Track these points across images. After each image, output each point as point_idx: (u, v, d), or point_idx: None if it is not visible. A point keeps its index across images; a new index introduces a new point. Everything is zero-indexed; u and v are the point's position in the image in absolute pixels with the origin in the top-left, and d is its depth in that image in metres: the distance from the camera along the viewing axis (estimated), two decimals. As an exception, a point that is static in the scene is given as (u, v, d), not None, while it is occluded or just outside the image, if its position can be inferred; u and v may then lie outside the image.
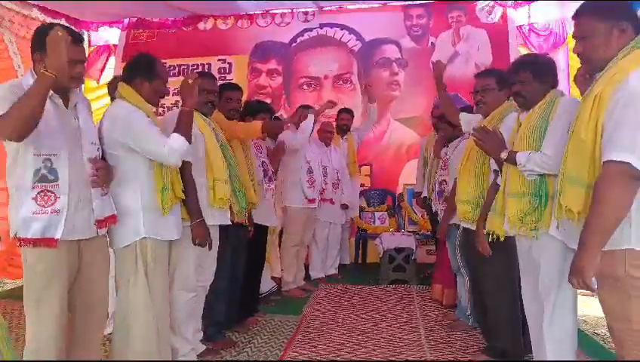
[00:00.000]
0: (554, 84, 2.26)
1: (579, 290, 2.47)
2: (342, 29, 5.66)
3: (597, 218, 1.57)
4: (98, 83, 5.84)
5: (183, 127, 2.30)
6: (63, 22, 5.22)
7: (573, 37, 1.82)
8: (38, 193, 1.93)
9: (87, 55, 2.18)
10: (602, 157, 1.59)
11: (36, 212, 1.92)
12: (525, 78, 2.24)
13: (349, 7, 5.65)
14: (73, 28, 2.18)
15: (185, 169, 2.54)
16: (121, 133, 2.22)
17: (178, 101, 5.11)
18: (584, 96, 1.79)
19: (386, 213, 5.29)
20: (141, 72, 2.36)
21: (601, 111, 1.61)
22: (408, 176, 5.36)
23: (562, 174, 1.78)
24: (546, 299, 2.18)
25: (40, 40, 1.96)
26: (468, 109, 3.27)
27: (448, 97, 3.24)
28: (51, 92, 1.97)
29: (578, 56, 1.81)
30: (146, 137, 2.22)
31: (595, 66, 1.76)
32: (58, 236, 1.95)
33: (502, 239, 2.39)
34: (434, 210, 3.85)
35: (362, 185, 5.45)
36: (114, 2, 5.13)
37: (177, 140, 2.24)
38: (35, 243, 1.93)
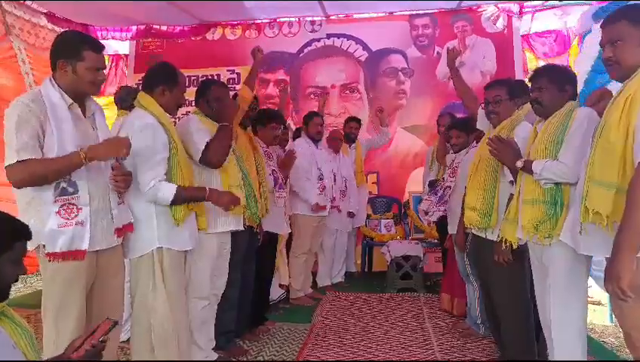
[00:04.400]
0: (573, 95, 2.27)
1: (588, 298, 2.50)
2: (348, 40, 5.72)
3: (631, 221, 1.57)
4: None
5: (185, 195, 2.31)
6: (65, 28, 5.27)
7: (601, 44, 1.83)
8: (61, 206, 1.94)
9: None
10: (635, 159, 1.60)
11: (62, 225, 1.93)
12: (543, 85, 2.25)
13: (356, 16, 5.70)
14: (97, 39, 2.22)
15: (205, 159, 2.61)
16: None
17: (189, 111, 5.16)
18: (612, 99, 1.80)
19: (392, 220, 5.31)
20: (163, 80, 2.39)
21: (633, 114, 1.63)
22: (415, 183, 5.40)
23: (588, 178, 1.79)
24: (553, 305, 2.18)
25: (65, 47, 2.01)
26: (471, 120, 3.29)
27: (464, 83, 3.23)
28: (71, 101, 2.00)
29: (607, 61, 1.81)
30: (143, 161, 2.22)
31: (623, 72, 1.77)
32: (85, 247, 1.97)
33: (515, 247, 2.41)
34: (425, 210, 3.84)
35: (369, 192, 5.47)
36: (122, 8, 5.14)
37: (167, 193, 2.24)
38: (64, 256, 1.94)
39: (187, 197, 2.31)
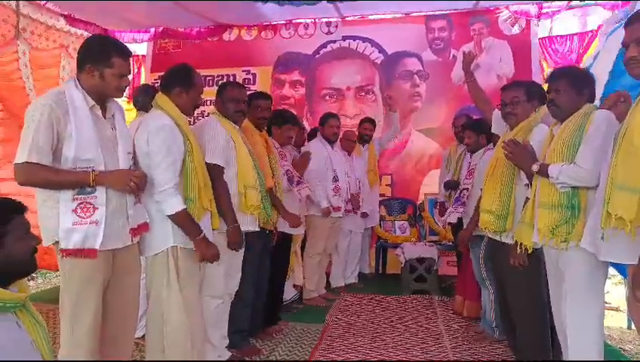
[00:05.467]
0: (590, 97, 2.24)
1: (606, 304, 2.46)
2: (364, 42, 5.72)
3: None
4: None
5: (187, 223, 2.28)
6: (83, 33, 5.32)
7: (624, 44, 1.80)
8: (78, 205, 1.97)
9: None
10: None
11: (76, 223, 1.96)
12: (560, 87, 2.23)
13: (371, 17, 5.69)
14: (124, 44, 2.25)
15: (217, 176, 2.59)
16: (145, 142, 2.26)
17: (204, 111, 5.22)
18: (636, 101, 1.78)
19: (406, 222, 5.29)
20: (179, 81, 2.41)
21: None
22: (429, 186, 5.39)
23: (610, 182, 1.76)
24: (569, 311, 2.15)
25: (95, 52, 2.04)
26: (486, 122, 3.27)
27: (478, 87, 3.21)
28: (93, 103, 2.04)
29: (630, 60, 1.78)
30: (157, 163, 2.23)
31: None
32: (97, 246, 1.98)
33: (530, 251, 2.38)
34: (447, 212, 3.81)
35: (382, 194, 5.47)
36: (140, 11, 5.20)
37: (175, 204, 2.23)
38: (77, 253, 1.97)
39: (184, 225, 2.28)
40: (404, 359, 3.10)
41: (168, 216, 2.24)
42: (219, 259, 2.39)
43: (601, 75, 3.87)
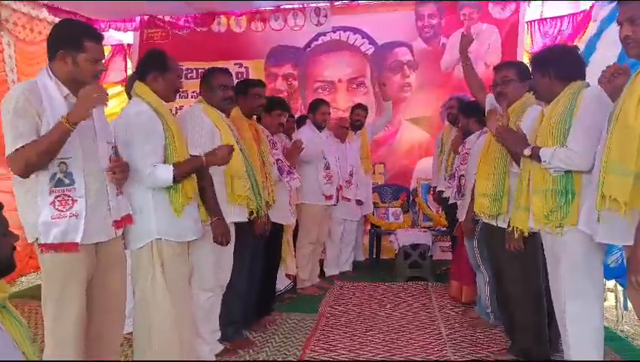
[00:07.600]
0: (577, 75, 2.16)
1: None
2: (355, 33, 5.67)
3: None
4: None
5: (184, 168, 2.26)
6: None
7: (618, 22, 1.76)
8: (56, 198, 1.90)
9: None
10: None
11: (55, 217, 1.89)
12: (534, 73, 2.25)
13: (361, 2, 5.61)
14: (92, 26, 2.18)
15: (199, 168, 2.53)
16: (124, 131, 2.21)
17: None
18: (630, 80, 1.74)
19: (400, 208, 5.27)
20: (153, 66, 2.35)
21: None
22: (421, 174, 5.39)
23: (605, 163, 1.72)
24: (567, 295, 2.12)
25: (66, 38, 1.96)
26: (476, 106, 3.24)
27: (474, 71, 3.18)
28: (67, 92, 1.96)
29: (625, 40, 1.74)
30: (137, 148, 2.19)
31: None
32: (78, 240, 1.92)
33: (525, 235, 2.34)
34: (450, 201, 3.78)
35: (375, 183, 5.45)
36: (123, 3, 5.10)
37: (165, 173, 2.19)
38: (57, 248, 1.91)
39: (187, 170, 2.26)
40: (400, 346, 3.07)
41: (174, 183, 2.22)
42: (232, 149, 2.43)
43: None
